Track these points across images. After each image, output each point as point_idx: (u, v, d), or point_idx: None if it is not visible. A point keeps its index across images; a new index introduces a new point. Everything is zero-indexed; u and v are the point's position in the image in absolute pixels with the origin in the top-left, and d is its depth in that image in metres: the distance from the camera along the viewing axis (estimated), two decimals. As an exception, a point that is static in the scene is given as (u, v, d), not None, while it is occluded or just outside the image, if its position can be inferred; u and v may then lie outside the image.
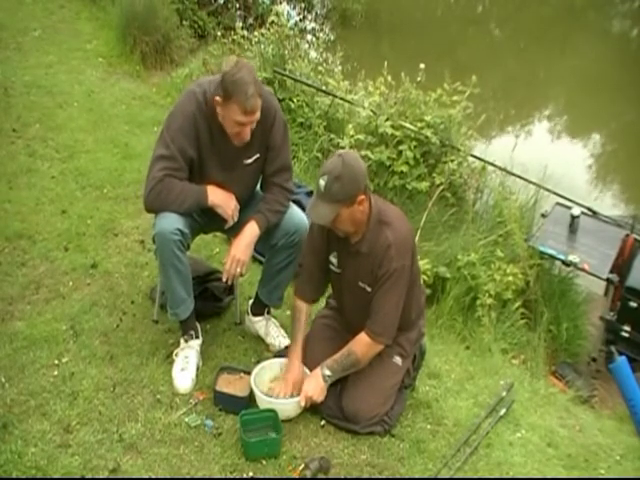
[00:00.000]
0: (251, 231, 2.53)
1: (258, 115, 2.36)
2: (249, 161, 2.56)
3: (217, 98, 2.34)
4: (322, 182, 2.26)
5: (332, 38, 8.99)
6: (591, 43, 10.42)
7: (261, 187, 2.71)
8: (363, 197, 2.30)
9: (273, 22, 5.10)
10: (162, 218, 2.42)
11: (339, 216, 2.29)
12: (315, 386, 2.43)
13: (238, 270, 2.53)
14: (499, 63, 9.11)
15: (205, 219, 2.61)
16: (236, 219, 2.55)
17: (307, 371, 2.53)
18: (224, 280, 2.57)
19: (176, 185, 2.41)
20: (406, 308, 2.49)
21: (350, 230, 2.38)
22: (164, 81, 5.89)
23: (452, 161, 4.09)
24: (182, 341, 2.67)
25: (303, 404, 2.42)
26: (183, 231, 2.42)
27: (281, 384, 2.51)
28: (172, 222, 2.40)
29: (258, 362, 2.65)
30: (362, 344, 2.44)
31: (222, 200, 2.51)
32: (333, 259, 2.52)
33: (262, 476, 2.24)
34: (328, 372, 2.45)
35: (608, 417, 3.18)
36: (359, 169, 2.29)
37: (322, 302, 2.91)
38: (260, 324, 2.90)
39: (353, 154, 2.36)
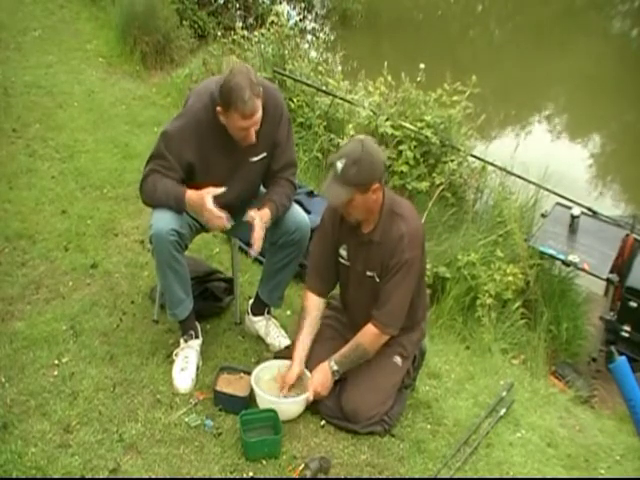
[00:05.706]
0: (264, 213, 2.48)
1: (259, 115, 2.35)
2: (255, 159, 2.55)
3: (218, 108, 2.35)
4: (339, 164, 2.22)
5: (332, 38, 8.99)
6: (591, 43, 10.40)
7: (264, 184, 2.70)
8: (378, 186, 2.28)
9: (273, 22, 5.10)
10: (158, 219, 2.42)
11: (352, 201, 2.26)
12: (324, 380, 2.44)
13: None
14: (499, 63, 9.10)
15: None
16: (229, 226, 2.42)
17: (307, 373, 2.52)
18: (254, 252, 2.45)
19: (158, 186, 2.40)
20: (413, 305, 2.49)
21: (361, 218, 2.37)
22: (164, 81, 5.89)
23: (452, 161, 4.10)
24: (182, 341, 2.67)
25: (312, 398, 2.42)
26: (179, 231, 2.42)
27: (275, 386, 2.50)
28: (168, 223, 2.40)
29: (258, 362, 2.65)
30: (369, 335, 2.44)
31: (197, 210, 2.42)
32: (343, 252, 2.51)
33: (262, 476, 2.24)
34: (336, 367, 2.45)
35: (608, 417, 3.18)
36: (378, 157, 2.27)
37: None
38: (260, 324, 2.89)
39: (373, 141, 2.33)
